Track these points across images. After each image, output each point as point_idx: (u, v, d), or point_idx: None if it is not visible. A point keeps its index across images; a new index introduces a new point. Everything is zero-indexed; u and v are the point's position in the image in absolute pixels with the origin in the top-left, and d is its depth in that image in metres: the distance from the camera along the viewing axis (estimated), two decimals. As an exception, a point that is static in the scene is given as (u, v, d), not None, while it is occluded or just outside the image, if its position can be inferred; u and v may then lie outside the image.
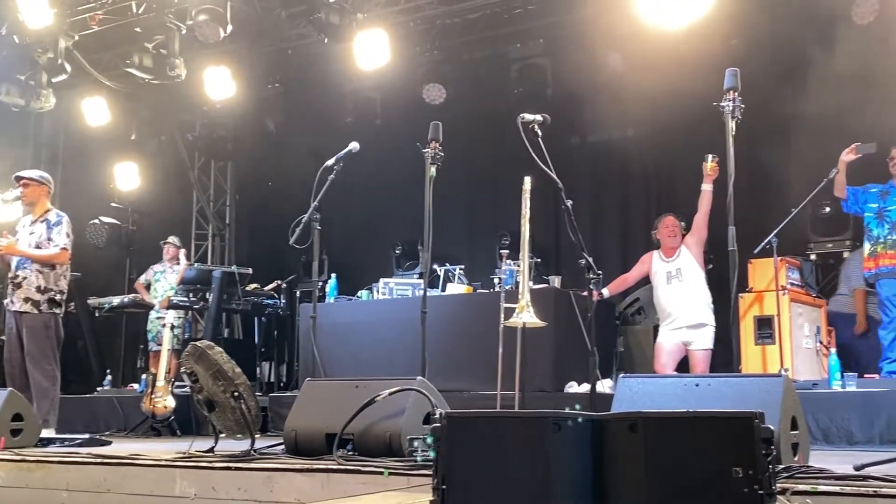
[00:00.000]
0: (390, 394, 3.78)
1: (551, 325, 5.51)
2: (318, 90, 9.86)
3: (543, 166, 4.69)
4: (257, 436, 4.08)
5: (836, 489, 2.48)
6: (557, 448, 2.29)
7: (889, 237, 6.24)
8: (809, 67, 7.00)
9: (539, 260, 7.59)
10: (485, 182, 9.01)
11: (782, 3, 7.48)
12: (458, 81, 8.88)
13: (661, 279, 6.65)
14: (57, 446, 5.22)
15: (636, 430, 2.28)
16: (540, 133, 4.74)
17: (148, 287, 9.15)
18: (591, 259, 4.87)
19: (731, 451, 2.15)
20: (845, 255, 6.94)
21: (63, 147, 11.16)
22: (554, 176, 4.69)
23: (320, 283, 6.64)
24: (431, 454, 2.39)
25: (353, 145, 5.89)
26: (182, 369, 4.25)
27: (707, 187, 6.34)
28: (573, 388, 6.09)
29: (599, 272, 5.06)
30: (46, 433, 5.60)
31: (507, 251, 6.77)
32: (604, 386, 5.81)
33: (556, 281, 6.86)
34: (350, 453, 3.74)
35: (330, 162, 5.77)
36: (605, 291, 6.69)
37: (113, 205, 9.96)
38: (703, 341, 6.44)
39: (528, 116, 4.77)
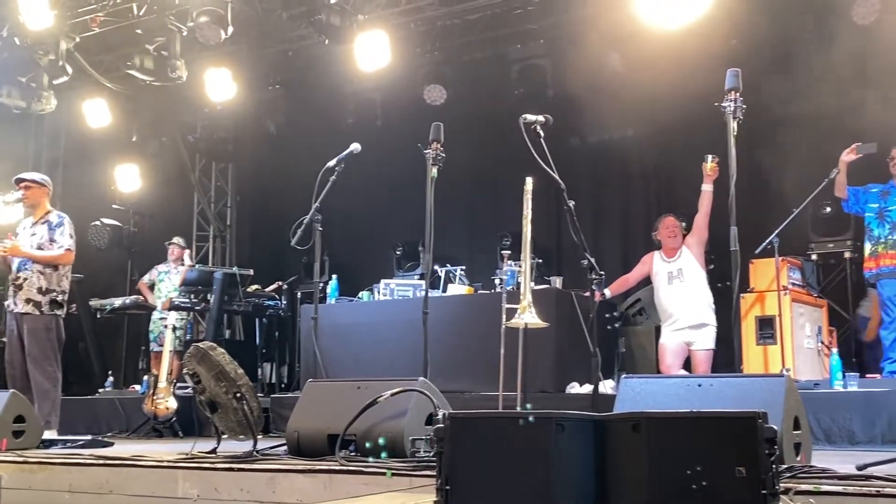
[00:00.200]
0: (392, 395, 3.78)
1: (553, 326, 5.52)
2: (318, 91, 9.85)
3: (546, 167, 4.68)
4: (260, 437, 4.08)
5: (839, 489, 2.48)
6: (560, 448, 2.30)
7: (890, 237, 6.24)
8: (809, 67, 7.00)
9: (540, 260, 7.59)
10: (485, 183, 9.01)
11: (782, 3, 7.48)
12: (458, 82, 8.89)
13: (663, 279, 6.65)
14: (59, 448, 5.21)
15: (639, 430, 2.29)
16: (542, 134, 4.74)
17: (151, 287, 9.15)
18: (593, 259, 4.87)
19: (734, 451, 2.16)
20: (846, 255, 6.94)
21: (64, 149, 11.16)
22: (557, 177, 4.68)
23: (321, 285, 6.62)
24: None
25: (355, 146, 5.89)
26: (184, 370, 4.25)
27: (707, 187, 6.34)
28: (575, 388, 6.09)
29: (602, 273, 5.06)
30: (48, 435, 5.59)
31: (509, 252, 6.75)
32: (605, 387, 5.81)
33: (557, 281, 6.85)
34: (352, 454, 3.74)
35: (331, 163, 5.76)
36: (607, 292, 6.68)
37: (114, 206, 9.96)
38: (705, 341, 6.44)
39: (531, 117, 4.75)
